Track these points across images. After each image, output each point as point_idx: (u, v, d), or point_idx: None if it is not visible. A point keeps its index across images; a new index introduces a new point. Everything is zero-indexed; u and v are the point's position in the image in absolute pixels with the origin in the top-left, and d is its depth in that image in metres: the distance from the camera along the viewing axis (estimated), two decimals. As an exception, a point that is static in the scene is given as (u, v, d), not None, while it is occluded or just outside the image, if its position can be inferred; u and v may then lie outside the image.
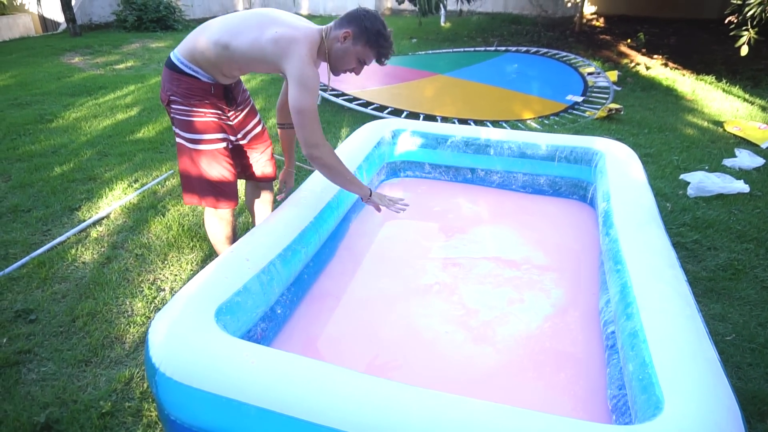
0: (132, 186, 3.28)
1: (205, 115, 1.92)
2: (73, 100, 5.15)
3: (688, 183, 3.31)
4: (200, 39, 1.86)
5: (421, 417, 1.18)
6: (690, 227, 2.85)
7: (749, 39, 5.11)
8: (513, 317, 2.02)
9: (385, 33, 1.84)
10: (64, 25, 9.51)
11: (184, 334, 1.37)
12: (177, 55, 1.89)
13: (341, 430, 1.17)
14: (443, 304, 2.09)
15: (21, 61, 7.00)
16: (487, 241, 2.52)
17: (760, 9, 4.77)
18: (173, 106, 1.92)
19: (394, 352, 1.84)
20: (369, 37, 1.82)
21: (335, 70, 1.92)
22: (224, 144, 1.99)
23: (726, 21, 5.33)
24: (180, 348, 1.34)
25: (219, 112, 1.97)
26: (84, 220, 2.87)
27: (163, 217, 2.90)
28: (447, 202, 2.92)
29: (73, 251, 2.57)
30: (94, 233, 2.75)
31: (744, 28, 5.15)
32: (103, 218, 2.89)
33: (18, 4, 11.47)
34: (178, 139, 1.97)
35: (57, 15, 10.37)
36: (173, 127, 1.98)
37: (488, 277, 2.26)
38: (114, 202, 3.07)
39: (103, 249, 2.61)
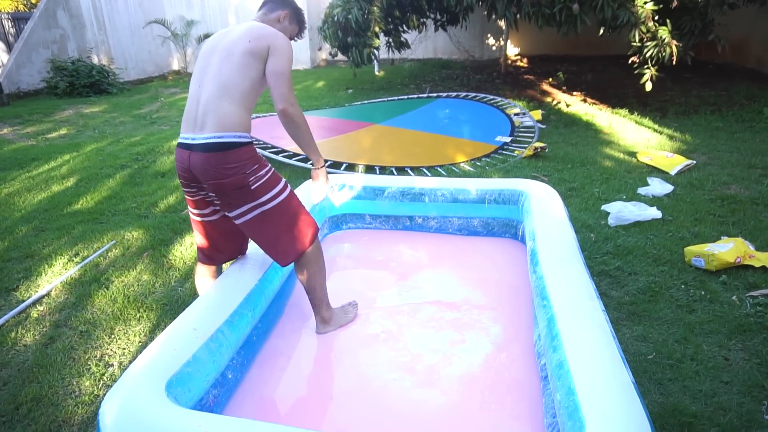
0: (72, 260, 3.24)
1: (269, 166, 2.00)
2: (4, 174, 5.03)
3: (609, 213, 3.60)
4: (223, 106, 1.88)
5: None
6: (612, 255, 3.09)
7: (651, 76, 5.64)
8: (456, 358, 2.14)
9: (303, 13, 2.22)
10: (-10, 95, 9.27)
11: (136, 411, 1.41)
12: (219, 134, 1.87)
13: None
14: (389, 351, 2.18)
15: (-55, 135, 6.78)
16: (428, 285, 2.66)
17: (656, 50, 5.31)
18: (253, 178, 1.90)
19: (345, 404, 1.92)
20: (299, 17, 2.20)
21: None
22: None
23: (630, 61, 5.88)
24: (132, 426, 1.37)
25: None
26: (23, 301, 2.81)
27: (107, 289, 2.88)
28: (389, 250, 3.05)
29: (13, 335, 2.52)
30: (34, 313, 2.70)
31: (646, 66, 5.70)
32: (43, 297, 2.85)
33: (-61, 75, 11.12)
34: (265, 207, 1.95)
35: (-18, 85, 10.10)
36: (253, 203, 1.93)
37: (431, 321, 2.38)
38: (54, 278, 3.03)
39: (45, 329, 2.57)
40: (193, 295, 2.78)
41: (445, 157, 4.95)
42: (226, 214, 2.01)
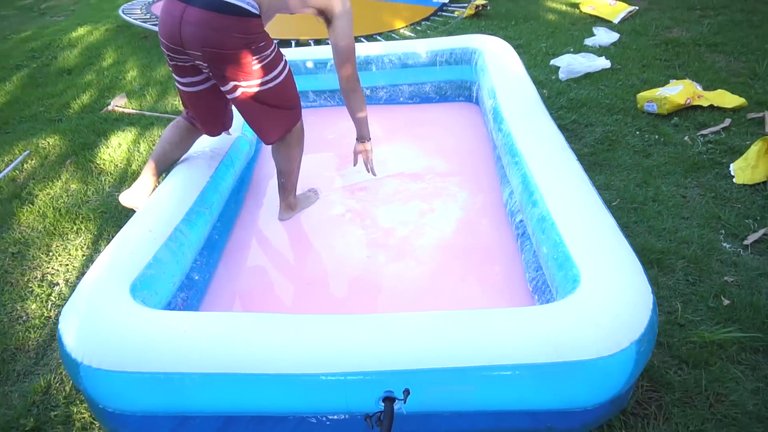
0: (-18, 177, 2.86)
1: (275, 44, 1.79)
2: None
3: (558, 67, 3.49)
4: None
5: (365, 341, 1.20)
6: (567, 109, 3.04)
7: None
8: (427, 227, 2.08)
9: None
10: None
11: (102, 318, 1.27)
12: None
13: (287, 374, 1.16)
14: (358, 230, 2.09)
15: None
16: (387, 159, 2.52)
17: None
18: (258, 57, 1.67)
19: (321, 286, 1.84)
20: None
21: None
22: None
23: None
24: (101, 334, 1.24)
25: None
26: (-65, 228, 2.48)
27: (32, 205, 2.58)
28: (339, 127, 2.85)
29: (-67, 265, 2.23)
30: (-48, 240, 2.39)
31: None
32: (-42, 221, 2.52)
33: None
34: (262, 87, 1.73)
35: None
36: (251, 81, 1.71)
37: (396, 195, 2.29)
38: (-34, 199, 2.67)
39: (-31, 255, 2.29)
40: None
41: (382, 24, 4.59)
42: (221, 88, 1.77)
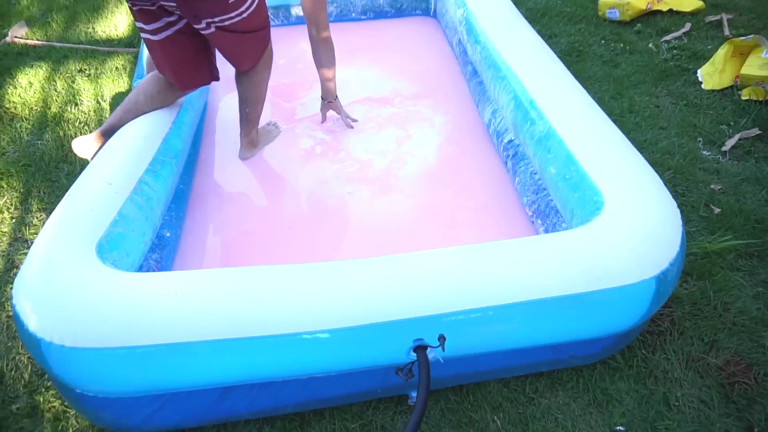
0: None
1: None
2: None
3: (512, -25, 3.30)
4: None
5: (390, 287, 1.07)
6: (527, 20, 2.86)
7: None
8: (408, 156, 1.93)
9: None
10: None
11: (70, 288, 1.05)
12: None
13: (305, 332, 1.02)
14: (333, 164, 1.91)
15: None
16: (349, 83, 2.30)
17: None
18: (236, 11, 1.49)
19: (306, 230, 1.67)
20: None
21: None
22: None
23: None
24: (72, 307, 1.02)
25: None
26: None
27: (-66, 161, 2.17)
28: (289, 50, 2.57)
29: None
30: None
31: None
32: None
33: None
34: (237, 18, 1.52)
35: None
36: (225, 15, 1.49)
37: (367, 123, 2.10)
38: None
39: None
40: (59, 143, 2.18)
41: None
42: (193, 26, 1.52)
